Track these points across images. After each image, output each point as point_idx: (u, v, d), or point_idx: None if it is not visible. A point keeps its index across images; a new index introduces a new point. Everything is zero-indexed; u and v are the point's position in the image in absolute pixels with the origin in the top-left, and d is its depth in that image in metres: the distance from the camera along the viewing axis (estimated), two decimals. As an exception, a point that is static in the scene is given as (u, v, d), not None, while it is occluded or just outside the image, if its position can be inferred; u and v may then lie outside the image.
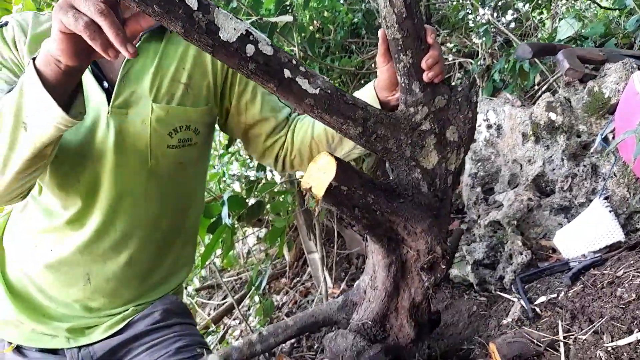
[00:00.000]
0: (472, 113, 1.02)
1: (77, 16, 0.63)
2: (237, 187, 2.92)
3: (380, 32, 0.93)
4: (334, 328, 1.28)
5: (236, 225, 2.68)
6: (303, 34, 2.18)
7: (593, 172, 1.29)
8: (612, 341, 0.94)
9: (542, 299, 1.16)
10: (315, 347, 2.39)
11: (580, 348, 0.97)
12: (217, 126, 1.24)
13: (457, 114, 1.02)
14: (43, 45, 0.73)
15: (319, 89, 0.86)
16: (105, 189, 0.99)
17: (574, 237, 1.25)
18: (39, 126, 0.78)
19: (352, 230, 3.57)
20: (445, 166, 1.07)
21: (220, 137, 2.87)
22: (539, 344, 1.06)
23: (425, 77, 0.91)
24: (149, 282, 1.11)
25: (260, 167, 2.28)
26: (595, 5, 2.72)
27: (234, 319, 3.37)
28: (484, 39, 2.24)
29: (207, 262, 2.47)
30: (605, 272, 1.11)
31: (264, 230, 4.01)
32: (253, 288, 2.76)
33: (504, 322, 1.19)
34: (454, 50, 2.70)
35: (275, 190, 2.19)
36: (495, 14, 2.86)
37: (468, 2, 2.73)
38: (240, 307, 2.76)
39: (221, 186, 2.69)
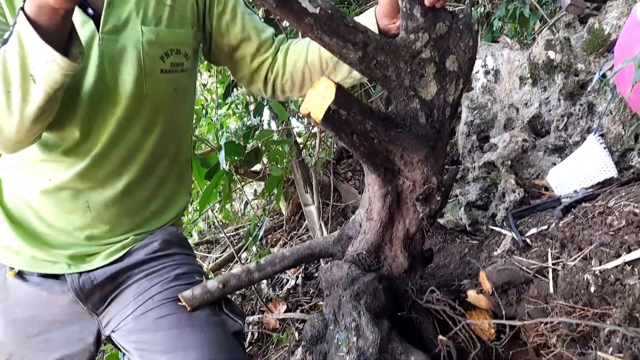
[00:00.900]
0: (473, 42, 1.02)
1: None
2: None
3: None
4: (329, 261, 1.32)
5: (234, 178, 2.71)
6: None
7: (589, 111, 1.30)
8: (600, 265, 0.97)
9: (533, 230, 1.18)
10: (310, 292, 2.46)
11: (568, 273, 1.01)
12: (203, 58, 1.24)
13: (457, 42, 1.01)
14: None
15: (319, 8, 0.85)
16: (103, 119, 0.99)
17: (567, 174, 1.27)
18: (46, 76, 0.79)
19: (348, 185, 3.61)
20: (444, 97, 1.08)
21: (217, 87, 2.84)
22: (528, 271, 1.09)
23: (427, 0, 0.90)
24: (147, 210, 1.12)
25: (257, 113, 2.27)
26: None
27: (231, 270, 3.43)
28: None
29: (205, 210, 2.50)
30: (596, 204, 1.13)
31: (261, 188, 4.05)
32: (250, 239, 2.81)
33: (495, 253, 1.22)
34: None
35: (273, 139, 2.19)
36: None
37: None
38: (238, 256, 2.81)
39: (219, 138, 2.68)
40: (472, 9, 2.36)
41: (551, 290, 1.03)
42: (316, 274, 2.62)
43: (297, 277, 2.67)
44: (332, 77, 1.12)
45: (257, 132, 2.11)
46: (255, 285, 2.66)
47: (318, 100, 0.93)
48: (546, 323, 0.99)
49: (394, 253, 1.21)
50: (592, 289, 0.93)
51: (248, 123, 2.44)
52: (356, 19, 1.08)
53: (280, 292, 2.64)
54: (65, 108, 0.94)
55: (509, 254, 1.16)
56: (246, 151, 2.08)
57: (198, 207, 2.28)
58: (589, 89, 1.31)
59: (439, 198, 1.14)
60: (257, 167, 3.44)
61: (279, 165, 2.24)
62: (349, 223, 1.31)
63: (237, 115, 2.92)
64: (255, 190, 3.94)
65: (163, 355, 0.94)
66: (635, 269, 0.90)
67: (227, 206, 3.90)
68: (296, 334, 2.10)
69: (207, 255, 3.73)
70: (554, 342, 0.92)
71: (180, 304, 1.02)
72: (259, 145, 2.15)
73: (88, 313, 1.05)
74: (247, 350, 2.33)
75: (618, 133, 1.23)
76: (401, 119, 1.07)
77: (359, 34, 0.92)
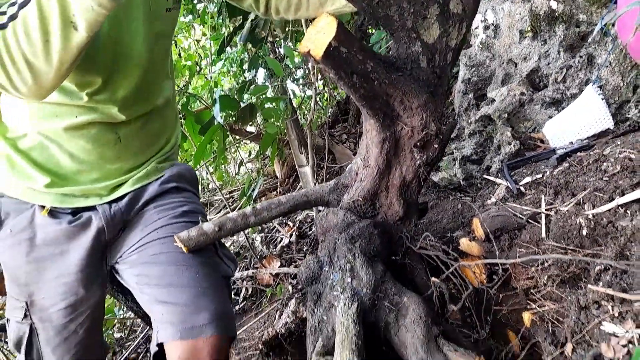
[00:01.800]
0: (477, -17, 1.00)
1: None
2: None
3: None
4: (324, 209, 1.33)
5: (230, 137, 2.69)
6: None
7: (588, 63, 1.30)
8: (593, 209, 0.98)
9: (527, 179, 1.19)
10: (304, 250, 2.49)
11: (561, 218, 1.02)
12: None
13: (461, -18, 0.99)
14: None
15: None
16: (124, 63, 0.99)
17: (564, 126, 1.27)
18: (90, 19, 0.76)
19: (343, 147, 3.60)
20: (446, 41, 1.06)
21: (211, 44, 2.78)
22: (521, 216, 1.11)
23: None
24: (160, 141, 1.15)
25: (252, 66, 2.23)
26: None
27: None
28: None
29: (199, 166, 2.48)
30: (591, 153, 1.14)
31: (255, 151, 4.02)
32: (244, 198, 2.81)
33: (488, 202, 1.24)
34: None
35: (267, 95, 2.17)
36: None
37: None
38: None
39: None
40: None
41: (543, 234, 1.05)
42: (310, 232, 2.64)
43: (290, 235, 2.69)
44: (329, 4, 1.08)
45: (251, 87, 2.08)
46: (250, 243, 2.68)
47: (318, 37, 0.91)
48: (537, 265, 1.00)
49: (389, 200, 1.22)
50: (584, 232, 0.95)
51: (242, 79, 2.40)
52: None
53: (274, 249, 2.67)
54: (88, 51, 0.92)
55: (503, 202, 1.17)
56: (241, 106, 2.05)
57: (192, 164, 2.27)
58: (589, 40, 1.29)
59: (436, 145, 1.14)
60: (253, 129, 3.41)
61: (274, 122, 2.22)
62: (346, 172, 1.31)
63: (232, 74, 2.87)
64: (250, 152, 3.92)
65: (160, 288, 0.96)
66: (628, 212, 0.91)
67: (222, 168, 3.88)
68: (290, 288, 2.13)
69: (201, 215, 3.73)
70: (544, 282, 0.94)
71: (176, 244, 1.03)
72: (254, 100, 2.13)
73: (102, 251, 1.06)
74: (241, 305, 2.38)
75: (616, 84, 1.23)
76: (402, 62, 1.05)
77: (362, -32, 0.89)
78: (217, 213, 3.69)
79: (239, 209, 3.30)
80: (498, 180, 1.27)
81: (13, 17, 0.76)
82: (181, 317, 0.93)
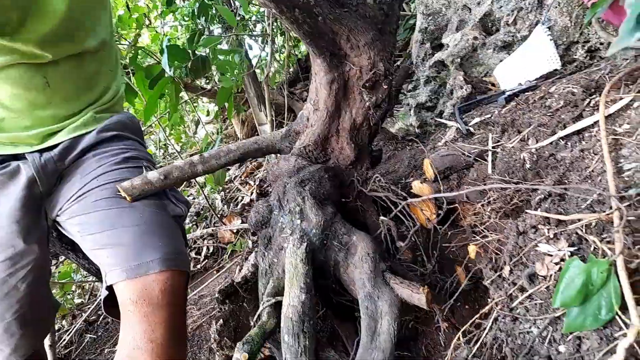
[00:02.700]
0: None
1: None
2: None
3: None
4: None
5: (183, 91, 2.58)
6: None
7: (539, 4, 1.29)
8: (536, 143, 0.99)
9: (477, 119, 1.20)
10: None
11: (506, 154, 1.03)
12: None
13: None
14: None
15: None
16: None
17: (513, 68, 1.27)
18: None
19: (303, 104, 3.55)
20: (392, -25, 1.02)
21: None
22: (469, 155, 1.11)
23: None
24: (97, 88, 1.08)
25: (201, 13, 2.12)
26: None
27: (188, 186, 3.40)
28: None
29: (151, 123, 2.40)
30: (537, 92, 1.14)
31: (213, 111, 3.91)
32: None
33: (439, 144, 1.24)
34: None
35: (220, 47, 2.08)
36: None
37: None
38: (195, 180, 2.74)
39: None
40: None
41: (489, 171, 1.06)
42: (271, 190, 2.62)
43: (251, 194, 2.66)
44: None
45: (202, 38, 1.98)
46: (210, 202, 2.64)
47: (257, -35, 0.86)
48: (483, 201, 1.02)
49: (340, 145, 1.21)
50: (527, 165, 0.96)
51: (193, 27, 2.29)
52: None
53: (235, 208, 2.63)
54: None
55: (453, 142, 1.18)
56: (192, 59, 1.96)
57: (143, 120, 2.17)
58: (540, -21, 1.29)
59: (385, 86, 1.12)
60: (209, 88, 3.30)
61: (229, 76, 2.14)
62: (297, 119, 1.28)
63: (184, 27, 2.74)
64: (208, 112, 3.80)
65: (102, 233, 0.92)
66: (569, 143, 0.93)
67: (180, 129, 3.77)
68: (250, 243, 2.12)
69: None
70: (489, 215, 0.96)
71: (119, 193, 0.99)
72: (207, 53, 2.04)
73: (38, 203, 1.01)
74: (203, 264, 2.36)
75: (565, 25, 1.23)
76: (347, -3, 1.01)
77: None
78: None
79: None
80: (450, 123, 1.27)
81: None
82: (126, 256, 0.88)
